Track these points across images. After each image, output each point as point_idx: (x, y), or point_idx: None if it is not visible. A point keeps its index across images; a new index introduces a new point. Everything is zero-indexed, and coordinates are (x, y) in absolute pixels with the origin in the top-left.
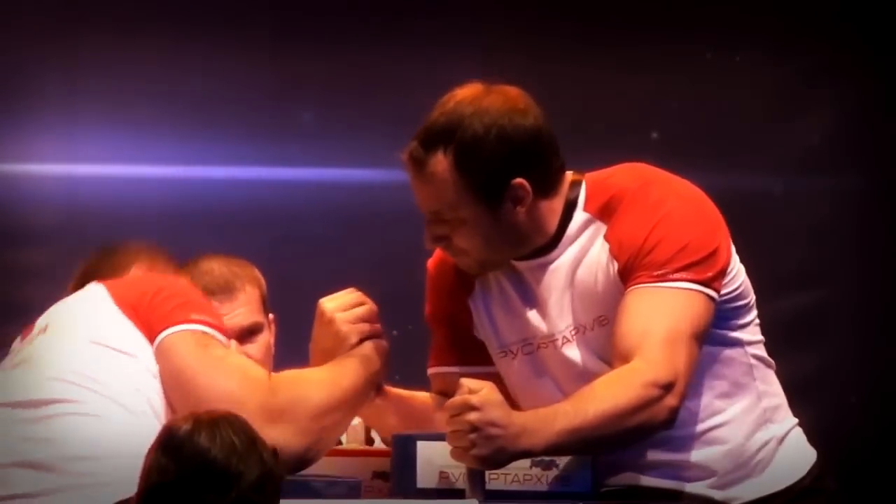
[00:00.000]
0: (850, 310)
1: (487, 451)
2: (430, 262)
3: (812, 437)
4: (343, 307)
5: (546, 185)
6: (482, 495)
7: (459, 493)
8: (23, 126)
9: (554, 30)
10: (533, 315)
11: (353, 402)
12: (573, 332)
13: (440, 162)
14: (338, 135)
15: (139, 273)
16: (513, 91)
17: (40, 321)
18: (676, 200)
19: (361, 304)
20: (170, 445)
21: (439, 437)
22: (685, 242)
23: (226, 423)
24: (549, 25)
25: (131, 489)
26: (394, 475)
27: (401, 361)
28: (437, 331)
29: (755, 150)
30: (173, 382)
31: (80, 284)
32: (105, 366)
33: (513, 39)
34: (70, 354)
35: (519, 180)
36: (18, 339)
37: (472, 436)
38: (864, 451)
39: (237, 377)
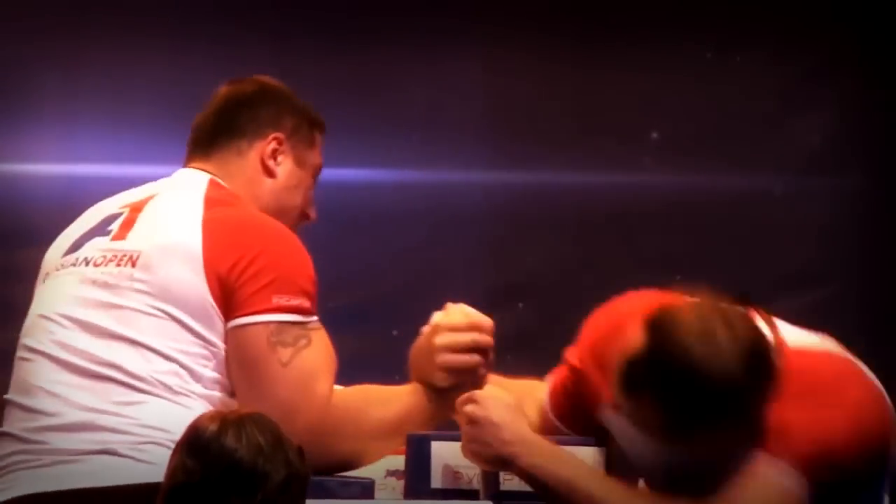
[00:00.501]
0: (850, 310)
1: (478, 445)
2: (601, 323)
3: None
4: (453, 347)
5: None
6: (495, 496)
7: (474, 494)
8: (23, 126)
9: (554, 30)
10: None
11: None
12: None
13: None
14: (338, 135)
15: (275, 143)
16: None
17: (137, 238)
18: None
19: (475, 344)
20: (196, 445)
21: (454, 438)
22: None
23: (251, 423)
24: (550, 25)
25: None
26: (408, 475)
27: (401, 361)
28: (567, 372)
29: (755, 150)
30: (236, 371)
31: (214, 128)
32: (172, 341)
33: (513, 40)
34: (143, 317)
35: None
36: (116, 224)
37: (467, 427)
38: None
39: (291, 391)
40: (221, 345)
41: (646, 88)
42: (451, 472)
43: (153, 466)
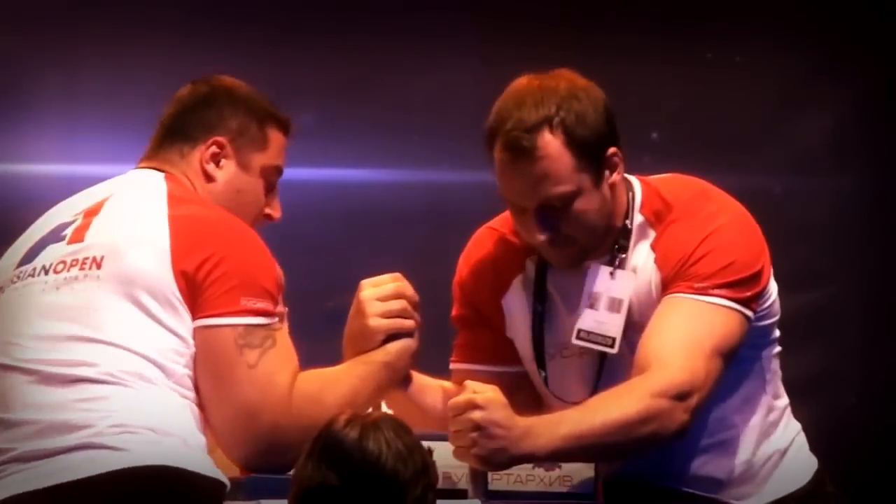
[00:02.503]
0: (850, 310)
1: (488, 450)
2: (463, 266)
3: (812, 438)
4: (379, 297)
5: (623, 157)
6: (484, 496)
7: (462, 494)
8: (23, 126)
9: (554, 30)
10: (572, 321)
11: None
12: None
13: (550, 142)
14: (338, 135)
15: (215, 147)
16: (570, 72)
17: (97, 236)
18: (728, 217)
19: (399, 295)
20: (336, 451)
21: (442, 438)
22: (731, 259)
23: (388, 427)
24: (549, 25)
25: (145, 458)
26: None
27: None
28: (465, 329)
29: (755, 150)
30: (202, 370)
31: (164, 130)
32: (142, 338)
33: (512, 41)
34: (112, 315)
35: (614, 148)
36: (70, 230)
37: (474, 434)
38: (864, 451)
39: (258, 392)
40: (191, 341)
41: (646, 88)
42: (440, 472)
43: (128, 453)
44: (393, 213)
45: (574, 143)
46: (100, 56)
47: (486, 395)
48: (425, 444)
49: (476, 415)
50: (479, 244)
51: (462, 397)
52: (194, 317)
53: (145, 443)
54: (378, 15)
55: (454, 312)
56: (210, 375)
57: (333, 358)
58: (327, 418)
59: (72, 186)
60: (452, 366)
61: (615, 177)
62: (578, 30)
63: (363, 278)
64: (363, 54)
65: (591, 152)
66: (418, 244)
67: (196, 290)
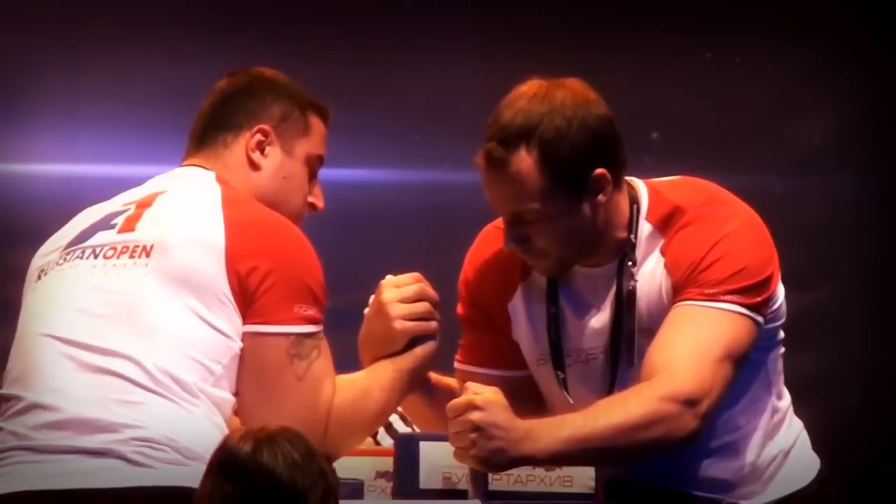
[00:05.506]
0: (850, 310)
1: (488, 451)
2: (469, 266)
3: (814, 438)
4: (401, 299)
5: (619, 176)
6: (484, 496)
7: (462, 494)
8: (23, 126)
9: (554, 30)
10: (581, 326)
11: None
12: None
13: (524, 159)
14: (338, 135)
15: (260, 135)
16: (577, 83)
17: (149, 228)
18: (739, 222)
19: (422, 296)
20: (232, 467)
21: (442, 438)
22: (743, 265)
23: (283, 438)
24: (549, 25)
25: (167, 478)
26: (397, 475)
27: None
28: (470, 330)
29: (755, 150)
30: (248, 377)
31: (205, 123)
32: (187, 335)
33: (512, 41)
34: (158, 309)
35: (600, 170)
36: (120, 219)
37: (473, 435)
38: (864, 451)
39: (304, 404)
40: (238, 341)
41: (646, 88)
42: (440, 473)
43: (152, 470)
44: (393, 213)
45: (549, 162)
46: (100, 56)
47: (485, 396)
48: (433, 443)
49: (475, 416)
50: (485, 244)
51: (462, 398)
52: (245, 321)
53: (169, 461)
54: (378, 15)
55: (459, 311)
56: (257, 382)
57: (334, 356)
58: (364, 427)
59: (72, 186)
60: (457, 365)
61: (601, 197)
62: (578, 30)
63: (362, 278)
64: (363, 54)
65: (568, 173)
66: (418, 244)
67: (249, 294)
